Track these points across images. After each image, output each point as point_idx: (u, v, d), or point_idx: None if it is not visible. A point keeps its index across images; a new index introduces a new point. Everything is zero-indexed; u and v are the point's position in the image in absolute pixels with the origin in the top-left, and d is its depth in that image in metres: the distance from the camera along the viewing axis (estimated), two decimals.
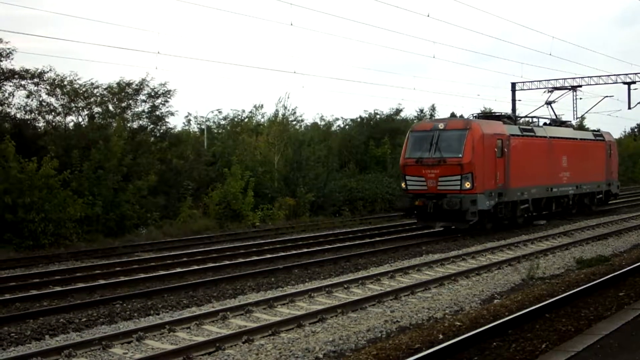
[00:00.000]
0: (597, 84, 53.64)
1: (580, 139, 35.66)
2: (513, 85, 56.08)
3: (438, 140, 26.41)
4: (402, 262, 20.61)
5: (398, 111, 54.95)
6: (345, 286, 16.30)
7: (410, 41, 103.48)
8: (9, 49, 29.25)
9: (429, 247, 23.80)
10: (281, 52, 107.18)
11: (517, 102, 55.99)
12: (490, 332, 10.94)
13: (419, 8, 51.37)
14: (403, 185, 27.35)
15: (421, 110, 72.14)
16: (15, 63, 31.69)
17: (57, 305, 14.55)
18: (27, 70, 30.48)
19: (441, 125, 26.87)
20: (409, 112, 74.05)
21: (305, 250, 23.06)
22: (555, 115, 39.12)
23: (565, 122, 37.74)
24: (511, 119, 31.47)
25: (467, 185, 25.50)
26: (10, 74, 30.04)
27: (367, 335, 11.99)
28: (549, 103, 40.61)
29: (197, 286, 16.59)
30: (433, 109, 73.67)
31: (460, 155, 25.79)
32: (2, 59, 29.45)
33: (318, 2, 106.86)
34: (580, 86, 53.95)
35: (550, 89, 41.25)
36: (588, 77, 53.72)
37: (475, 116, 30.58)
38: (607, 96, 56.84)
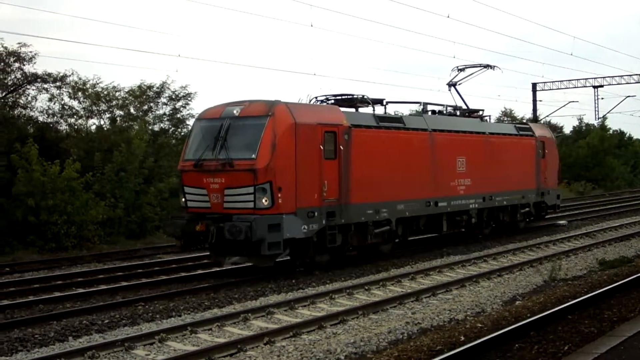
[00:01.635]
0: (618, 83, 53.46)
1: (492, 134, 26.05)
2: (534, 85, 56.02)
3: (227, 134, 17.95)
4: (423, 263, 20.57)
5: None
6: (366, 287, 16.29)
7: (431, 42, 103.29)
8: (31, 52, 29.51)
9: (449, 248, 23.70)
10: (301, 53, 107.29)
11: (538, 102, 55.97)
12: (512, 334, 10.90)
13: (439, 9, 51.31)
14: (182, 200, 18.79)
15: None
16: (37, 67, 31.92)
17: (80, 307, 14.66)
18: (49, 74, 30.73)
19: (236, 111, 18.32)
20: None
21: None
22: (465, 102, 27.62)
23: (477, 111, 27.28)
24: (367, 102, 21.71)
25: (265, 201, 17.13)
26: (33, 78, 30.29)
27: (388, 337, 11.98)
28: (452, 85, 27.68)
29: (219, 288, 16.65)
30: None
31: (253, 156, 17.25)
32: (25, 63, 29.72)
33: (338, 3, 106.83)
34: (601, 86, 53.79)
35: (461, 68, 27.55)
36: (610, 77, 53.65)
37: (316, 99, 21.43)
38: (629, 96, 56.40)
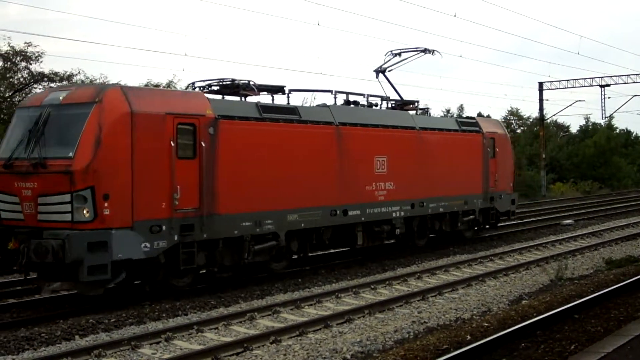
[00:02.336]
0: (625, 83, 53.35)
1: (424, 129, 22.15)
2: (540, 84, 55.92)
3: (45, 126, 14.39)
4: (429, 262, 20.58)
5: (425, 111, 54.79)
6: (372, 287, 16.29)
7: (437, 41, 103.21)
8: (38, 52, 29.64)
9: (456, 247, 23.69)
10: (308, 52, 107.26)
11: (544, 101, 55.91)
12: (519, 333, 10.89)
13: (445, 8, 51.26)
14: None
15: (448, 110, 72.09)
16: (44, 66, 32.18)
17: (86, 306, 14.68)
18: (56, 73, 30.89)
19: (61, 97, 14.74)
20: (435, 112, 73.77)
21: (332, 250, 23.05)
22: (397, 92, 23.92)
23: (412, 102, 23.71)
24: (251, 89, 17.87)
25: (85, 213, 13.60)
26: (40, 77, 30.45)
27: (395, 336, 11.98)
28: (381, 71, 23.93)
29: (225, 287, 16.65)
30: (461, 109, 73.61)
31: (70, 155, 13.78)
32: (32, 62, 29.88)
33: (345, 2, 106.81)
34: (608, 85, 53.69)
35: (396, 52, 23.76)
36: (617, 76, 53.54)
37: (193, 85, 18.12)
38: (636, 95, 56.31)
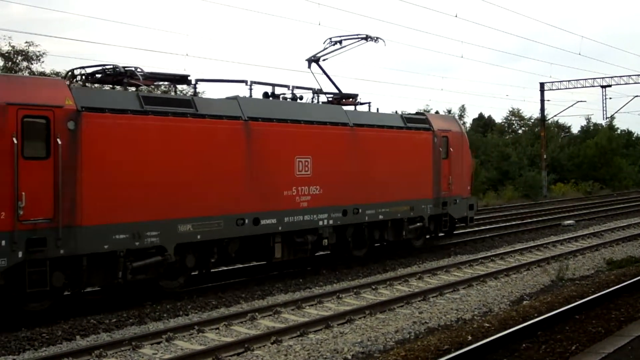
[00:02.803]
0: (627, 83, 53.36)
1: (359, 126, 19.54)
2: (542, 85, 55.94)
3: None
4: (430, 263, 20.58)
5: (426, 112, 54.86)
6: (373, 287, 16.30)
7: (439, 41, 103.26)
8: (39, 51, 29.66)
9: (457, 248, 23.69)
10: (309, 52, 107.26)
11: (545, 102, 55.94)
12: (520, 334, 10.89)
13: (447, 8, 51.24)
14: None
15: (449, 111, 72.18)
16: (45, 66, 32.09)
17: (87, 306, 14.68)
18: (57, 73, 30.86)
19: None
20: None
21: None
22: (334, 84, 21.15)
23: (351, 96, 20.97)
24: (138, 77, 15.54)
25: None
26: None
27: (396, 337, 11.99)
28: (313, 61, 21.18)
29: (226, 287, 16.66)
30: (463, 109, 73.67)
31: None
32: (33, 61, 29.89)
33: (346, 2, 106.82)
34: (609, 86, 53.72)
35: (336, 40, 21.13)
36: (618, 76, 53.54)
37: (72, 74, 15.92)
38: (637, 96, 56.35)
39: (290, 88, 18.73)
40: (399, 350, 10.68)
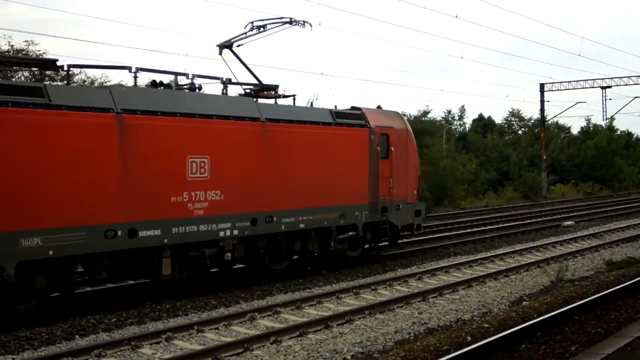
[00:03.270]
0: (626, 84, 53.40)
1: (274, 121, 17.07)
2: (542, 86, 55.99)
3: None
4: (429, 263, 20.57)
5: (426, 112, 54.98)
6: (373, 287, 16.29)
7: (438, 42, 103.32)
8: (39, 51, 29.65)
9: (456, 248, 23.70)
10: (309, 52, 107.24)
11: (545, 103, 55.98)
12: (519, 335, 10.89)
13: (447, 9, 51.32)
14: None
15: (449, 112, 72.20)
16: None
17: (87, 306, 14.68)
18: (57, 73, 30.82)
19: None
20: (436, 114, 73.88)
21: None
22: (252, 73, 18.73)
23: (272, 87, 18.65)
24: None
25: None
26: (41, 76, 30.40)
27: (395, 337, 11.99)
28: (226, 46, 18.43)
29: (225, 287, 16.65)
30: (463, 109, 73.72)
31: None
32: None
33: (346, 2, 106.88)
34: (609, 87, 53.77)
35: (258, 24, 18.70)
36: (618, 77, 53.56)
37: None
38: (637, 97, 56.40)
39: (190, 77, 16.47)
40: (398, 350, 10.67)
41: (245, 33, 18.47)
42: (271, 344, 11.52)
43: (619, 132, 76.36)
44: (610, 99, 55.93)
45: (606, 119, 60.01)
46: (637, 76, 52.85)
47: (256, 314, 13.40)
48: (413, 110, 79.42)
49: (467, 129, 74.29)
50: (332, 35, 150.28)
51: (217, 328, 12.61)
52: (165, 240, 14.60)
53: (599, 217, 35.14)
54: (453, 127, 70.29)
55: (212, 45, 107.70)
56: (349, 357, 10.85)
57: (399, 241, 22.32)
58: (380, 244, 21.32)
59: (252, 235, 16.57)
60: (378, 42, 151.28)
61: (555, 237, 26.83)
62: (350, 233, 19.24)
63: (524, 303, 14.70)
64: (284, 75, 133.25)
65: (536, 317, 12.17)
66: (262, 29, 18.63)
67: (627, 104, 74.73)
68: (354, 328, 12.65)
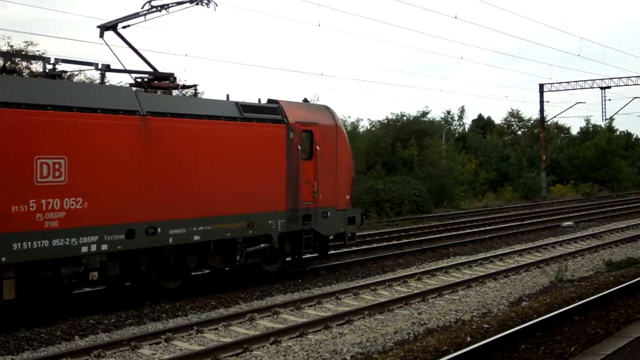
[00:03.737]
0: (626, 85, 53.42)
1: (158, 115, 14.64)
2: (541, 86, 56.01)
3: None
4: (429, 264, 20.57)
5: (425, 113, 54.98)
6: (372, 288, 16.29)
7: (438, 42, 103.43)
8: (38, 51, 29.61)
9: (456, 249, 23.69)
10: (309, 53, 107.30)
11: (545, 103, 56.00)
12: (519, 335, 10.89)
13: (446, 9, 51.37)
14: None
15: (448, 112, 72.21)
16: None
17: (86, 306, 14.67)
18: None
19: None
20: (436, 114, 73.84)
21: (332, 252, 23.04)
22: (144, 60, 16.57)
23: (166, 77, 16.31)
24: None
25: None
26: (41, 76, 30.41)
27: (395, 337, 11.98)
28: (110, 28, 16.17)
29: (225, 287, 16.63)
30: (462, 110, 73.74)
31: None
32: (32, 62, 29.79)
33: (346, 3, 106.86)
34: (609, 87, 53.81)
35: (153, 6, 16.35)
36: (617, 78, 53.57)
37: None
38: (636, 97, 56.45)
39: (53, 61, 14.34)
40: (397, 351, 10.67)
41: (138, 12, 16.24)
42: (271, 344, 11.52)
43: (618, 133, 76.37)
44: (609, 100, 55.88)
45: (605, 119, 60.04)
46: (637, 76, 52.87)
47: (256, 314, 13.40)
48: (412, 111, 79.41)
49: (467, 129, 74.26)
50: (331, 36, 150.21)
51: (216, 328, 12.61)
52: (4, 259, 12.01)
53: (598, 218, 35.14)
54: (452, 128, 70.25)
55: (212, 46, 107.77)
56: (348, 358, 10.84)
57: (329, 252, 19.92)
58: (304, 256, 18.87)
59: (130, 250, 13.97)
60: (378, 43, 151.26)
61: (554, 237, 26.83)
62: (263, 245, 16.71)
63: (523, 303, 14.69)
64: (284, 75, 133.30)
65: (536, 318, 12.16)
66: (161, 8, 16.41)
67: (627, 104, 74.75)
68: (353, 328, 12.65)
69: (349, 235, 19.29)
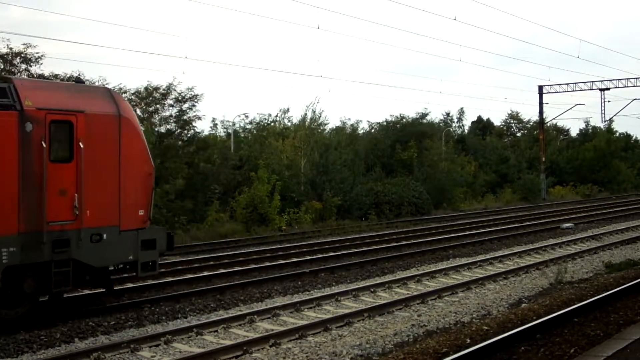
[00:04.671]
0: (625, 86, 53.44)
1: None
2: (540, 88, 56.06)
3: None
4: (428, 265, 20.56)
5: (424, 115, 55.03)
6: (372, 290, 16.29)
7: (437, 44, 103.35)
8: (37, 53, 29.62)
9: (455, 251, 23.68)
10: (308, 55, 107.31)
11: (544, 105, 56.03)
12: (518, 337, 10.88)
13: (445, 11, 51.40)
14: None
15: (448, 114, 72.21)
16: (44, 68, 32.00)
17: (85, 309, 14.66)
18: (56, 76, 30.80)
19: None
20: (435, 116, 73.81)
21: (332, 254, 23.05)
22: None
23: None
24: None
25: None
26: (40, 79, 30.39)
27: (394, 340, 11.98)
28: None
29: (224, 290, 16.64)
30: (462, 112, 73.74)
31: None
32: (31, 64, 29.81)
33: (344, 5, 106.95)
34: (608, 89, 53.84)
35: None
36: (617, 79, 53.61)
37: None
38: (635, 99, 56.51)
39: None
40: (397, 353, 10.67)
41: None
42: (270, 346, 11.51)
43: (617, 134, 76.40)
44: (609, 101, 56.13)
45: (605, 121, 60.10)
46: (636, 78, 52.91)
47: (255, 316, 13.40)
48: (412, 113, 79.41)
49: (466, 131, 74.25)
50: (330, 38, 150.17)
51: (216, 331, 12.61)
52: None
53: (597, 219, 35.16)
54: (452, 130, 70.25)
55: (211, 48, 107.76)
56: None
57: (115, 287, 15.54)
58: (66, 295, 14.60)
59: None
60: (377, 45, 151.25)
61: (554, 239, 26.85)
62: None
63: (523, 305, 14.69)
64: (284, 77, 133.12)
65: (535, 320, 12.16)
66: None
67: (626, 106, 74.67)
68: (353, 330, 12.64)
69: (142, 264, 14.35)
